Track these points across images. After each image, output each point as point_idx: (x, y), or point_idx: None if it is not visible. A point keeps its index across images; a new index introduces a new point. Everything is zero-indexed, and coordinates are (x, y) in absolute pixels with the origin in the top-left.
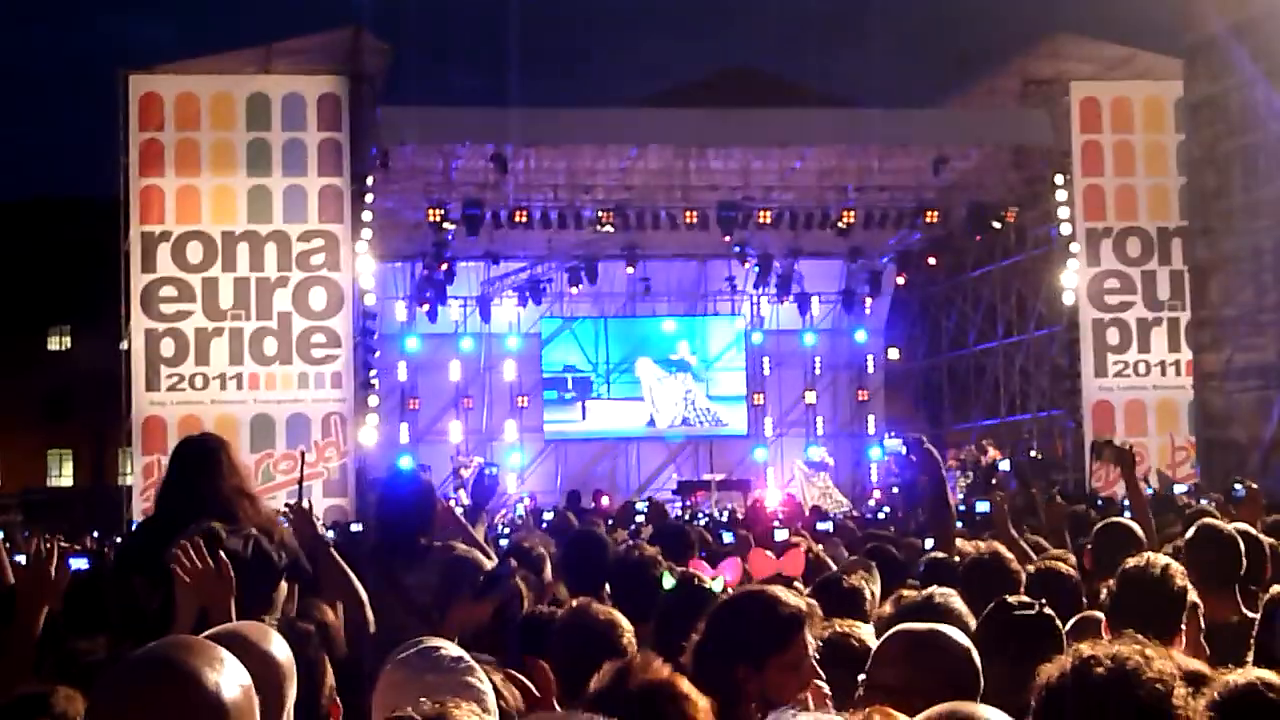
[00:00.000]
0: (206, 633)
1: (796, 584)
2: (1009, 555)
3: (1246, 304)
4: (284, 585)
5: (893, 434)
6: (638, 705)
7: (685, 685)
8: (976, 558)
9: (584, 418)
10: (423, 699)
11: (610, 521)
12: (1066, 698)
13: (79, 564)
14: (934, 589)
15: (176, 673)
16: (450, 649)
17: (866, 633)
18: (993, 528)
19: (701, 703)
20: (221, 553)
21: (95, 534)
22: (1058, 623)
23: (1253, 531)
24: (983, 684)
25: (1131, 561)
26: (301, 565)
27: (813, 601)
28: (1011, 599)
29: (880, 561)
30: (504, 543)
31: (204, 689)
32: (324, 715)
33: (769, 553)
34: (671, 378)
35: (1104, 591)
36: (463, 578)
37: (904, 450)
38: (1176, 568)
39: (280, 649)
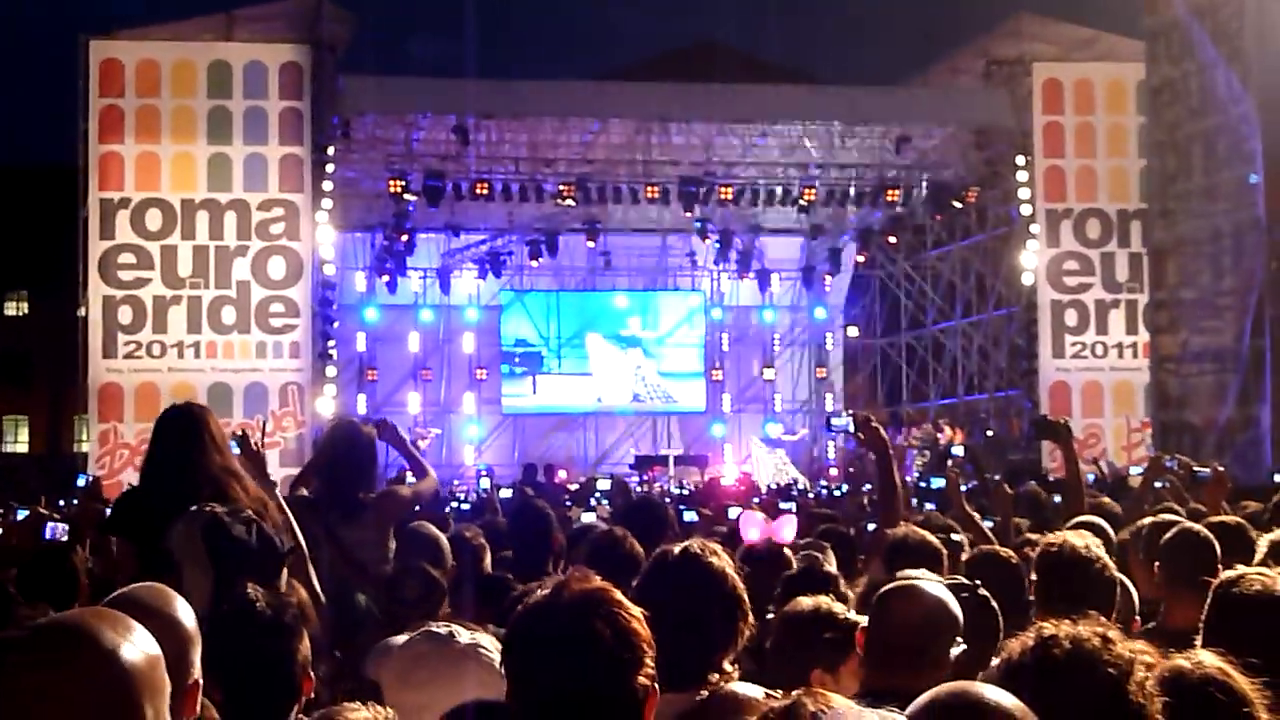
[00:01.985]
0: (110, 597)
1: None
2: (929, 536)
3: (1204, 287)
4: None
5: (845, 412)
6: (571, 615)
7: (618, 594)
8: (898, 538)
9: (534, 392)
10: None
11: (569, 500)
12: (1026, 676)
13: (60, 529)
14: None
15: (82, 640)
16: (460, 631)
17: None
18: (947, 504)
19: (636, 610)
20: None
21: (46, 500)
22: (994, 603)
23: (1228, 522)
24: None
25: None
26: (295, 546)
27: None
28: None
29: (834, 542)
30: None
31: (110, 656)
32: (298, 687)
33: (760, 515)
34: (622, 353)
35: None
36: (420, 551)
37: (852, 428)
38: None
39: (185, 613)
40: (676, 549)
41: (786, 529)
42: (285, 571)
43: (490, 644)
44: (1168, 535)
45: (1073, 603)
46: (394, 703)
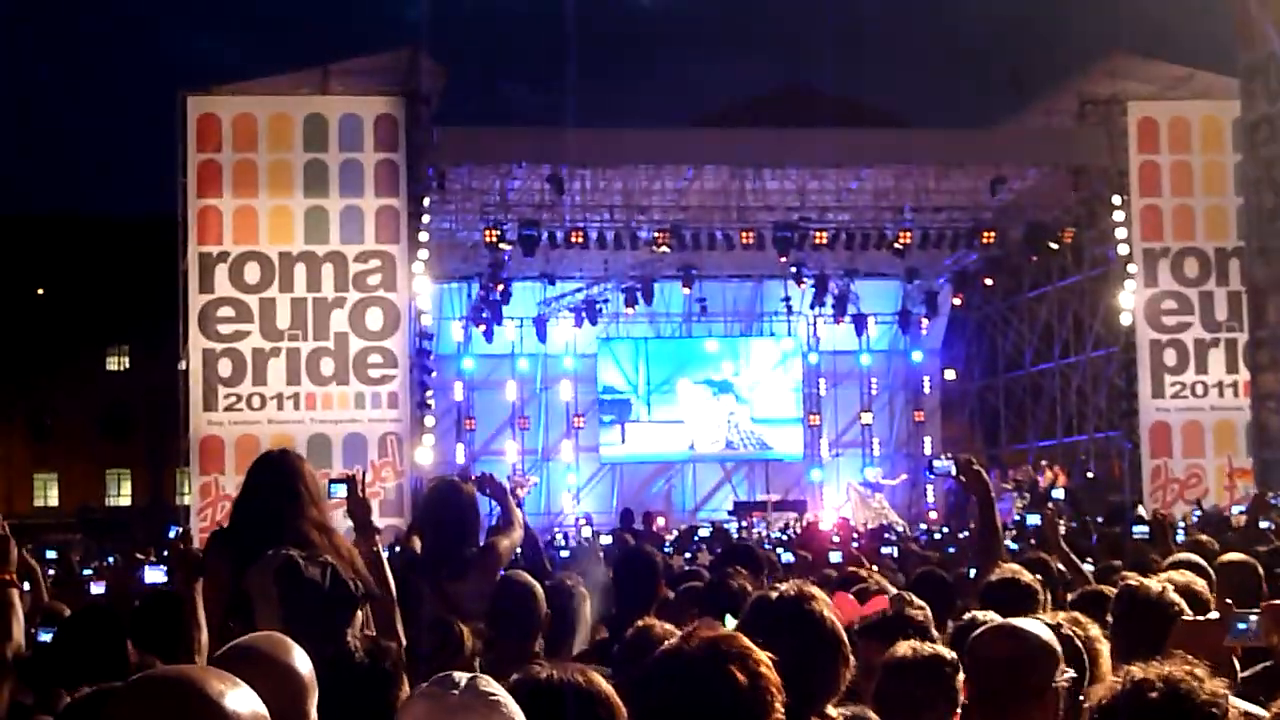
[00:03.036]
0: (229, 645)
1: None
2: (1023, 572)
3: None
4: (359, 614)
5: (944, 455)
6: (702, 661)
7: (747, 640)
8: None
9: (623, 441)
10: None
11: (669, 547)
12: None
13: (155, 575)
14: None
15: (190, 701)
16: (480, 681)
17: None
18: (1044, 543)
19: (764, 655)
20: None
21: (148, 550)
22: (1079, 642)
23: None
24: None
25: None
26: (373, 592)
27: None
28: (965, 617)
29: (930, 587)
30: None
31: (216, 711)
32: None
33: (852, 596)
34: (714, 399)
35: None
36: (515, 599)
37: (953, 471)
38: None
39: (302, 662)
40: (776, 592)
41: (876, 609)
42: (359, 616)
43: (492, 685)
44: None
45: (1147, 645)
46: None
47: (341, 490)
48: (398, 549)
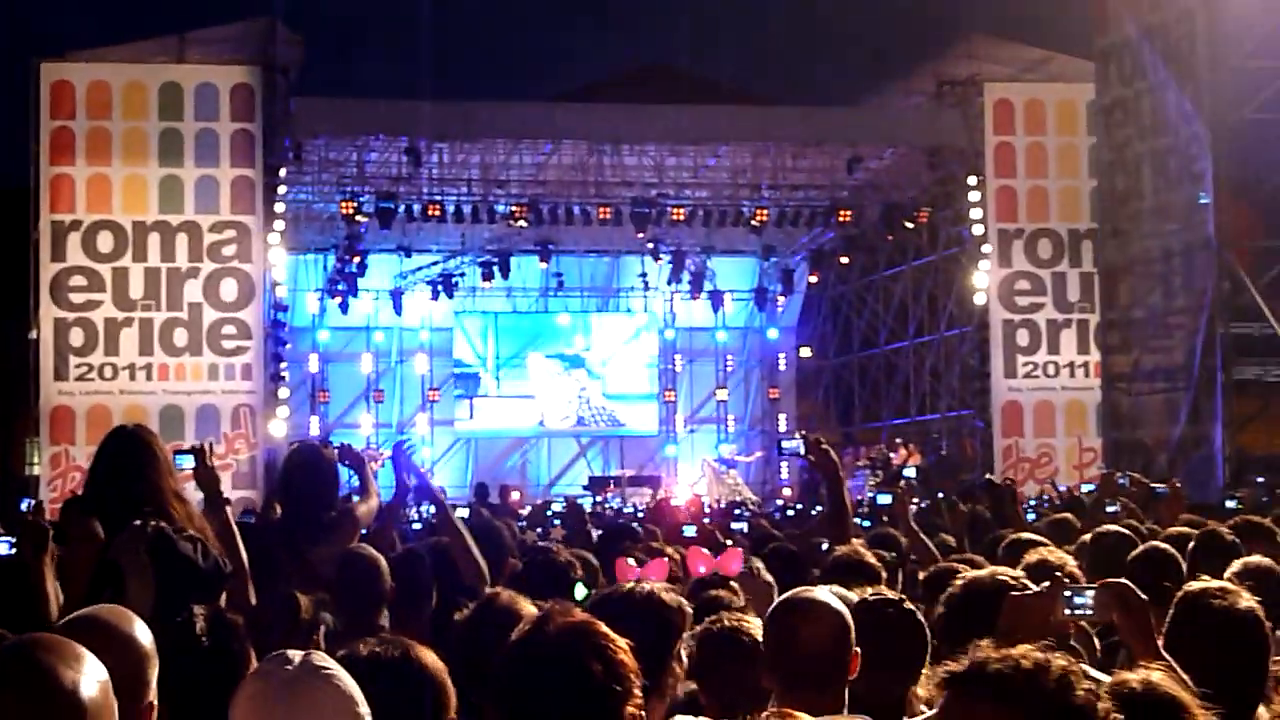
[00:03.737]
0: (70, 617)
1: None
2: (867, 552)
3: (1155, 306)
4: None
5: (796, 434)
6: (559, 648)
7: (604, 627)
8: (839, 555)
9: (471, 416)
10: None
11: (523, 521)
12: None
13: (1, 548)
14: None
15: (34, 672)
16: (314, 657)
17: (755, 626)
18: (893, 521)
19: (622, 641)
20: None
21: None
22: (920, 616)
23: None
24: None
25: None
26: (237, 568)
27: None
28: (872, 596)
29: (781, 560)
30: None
31: (62, 688)
32: None
33: (706, 550)
34: (565, 374)
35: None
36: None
37: (802, 450)
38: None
39: (143, 633)
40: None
41: (733, 561)
42: (225, 593)
43: (327, 660)
44: (1135, 552)
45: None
46: None
47: (189, 461)
48: (252, 519)
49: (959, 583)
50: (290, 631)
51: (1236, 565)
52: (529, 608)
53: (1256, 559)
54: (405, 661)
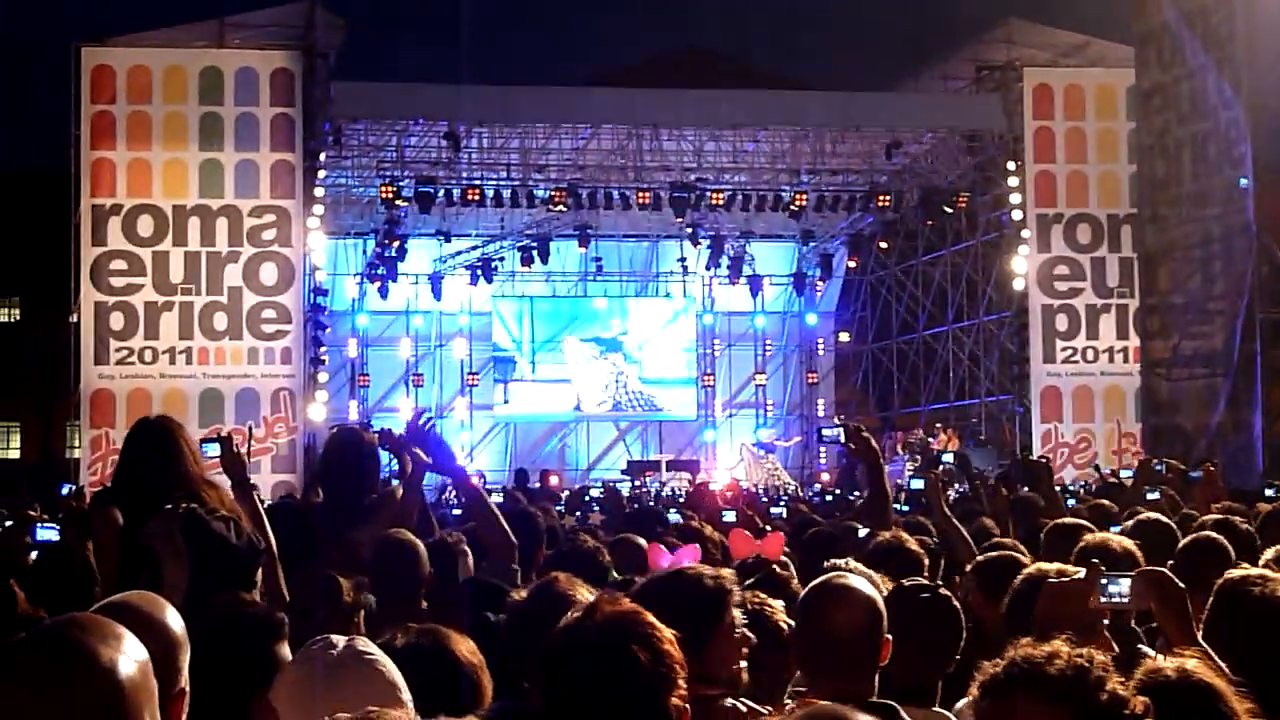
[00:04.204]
0: (101, 603)
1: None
2: (909, 539)
3: (1194, 291)
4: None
5: (833, 421)
6: (606, 636)
7: (651, 616)
8: (881, 541)
9: (505, 400)
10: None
11: (561, 506)
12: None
13: (48, 534)
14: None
15: (72, 651)
16: (357, 642)
17: (780, 608)
18: (928, 507)
19: (668, 632)
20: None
21: (38, 506)
22: (955, 602)
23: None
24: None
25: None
26: (268, 547)
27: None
28: (908, 582)
29: (821, 545)
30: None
31: (100, 667)
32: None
33: (748, 533)
34: (601, 358)
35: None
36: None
37: (842, 438)
38: None
39: (174, 619)
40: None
41: (773, 545)
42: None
43: (370, 646)
44: (1183, 541)
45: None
46: None
47: (214, 449)
48: (291, 502)
49: (1021, 577)
50: (332, 614)
51: (1270, 553)
52: (584, 593)
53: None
54: (441, 651)
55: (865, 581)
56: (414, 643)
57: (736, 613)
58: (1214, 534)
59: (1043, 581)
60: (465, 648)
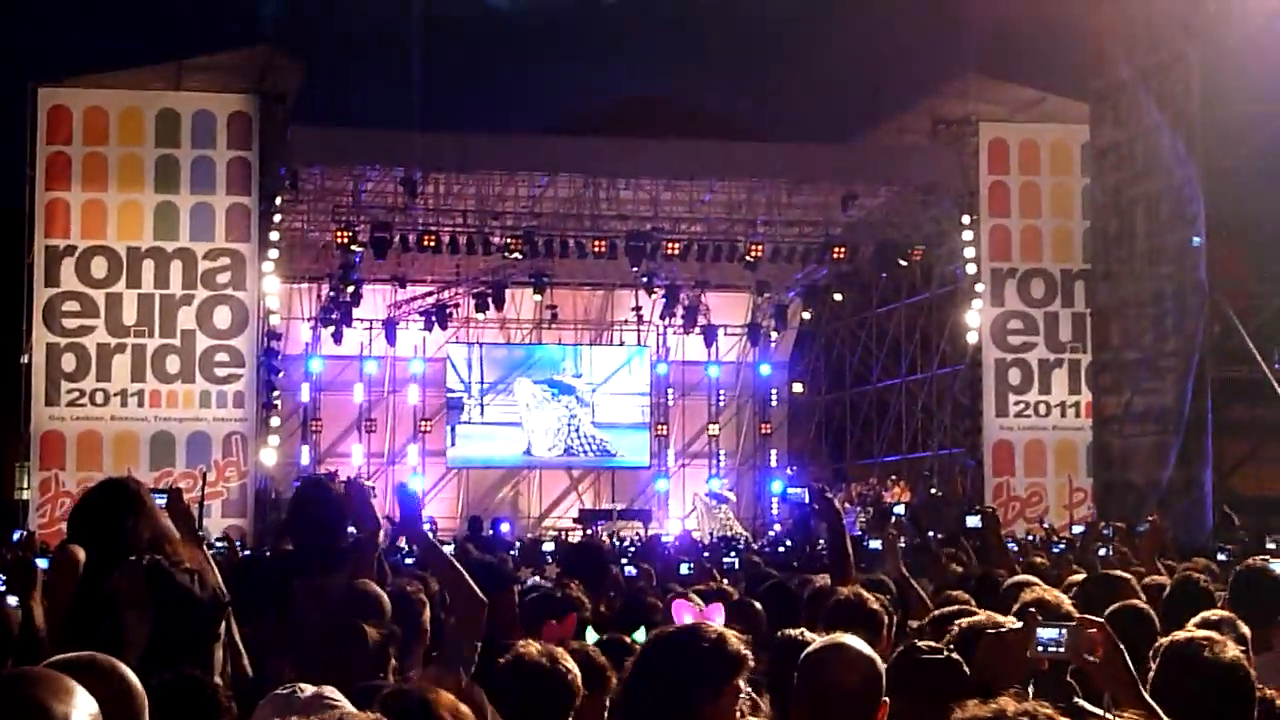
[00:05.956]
0: (59, 658)
1: None
2: (870, 597)
3: (1147, 348)
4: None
5: (793, 480)
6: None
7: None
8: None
9: (453, 443)
10: None
11: (516, 556)
12: None
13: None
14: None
15: (20, 706)
16: (322, 687)
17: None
18: (884, 563)
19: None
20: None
21: None
22: (964, 666)
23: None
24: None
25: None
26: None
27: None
28: (920, 643)
29: (778, 598)
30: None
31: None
32: None
33: (689, 603)
34: (553, 400)
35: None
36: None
37: (806, 499)
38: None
39: (135, 679)
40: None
41: (716, 616)
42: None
43: (334, 692)
44: (1110, 609)
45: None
46: None
47: (162, 501)
48: (267, 553)
49: (960, 627)
50: (361, 664)
51: (1196, 619)
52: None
53: (1218, 612)
54: (427, 708)
55: (863, 642)
56: (399, 696)
57: (741, 682)
58: (1139, 604)
59: (981, 632)
60: (446, 700)
